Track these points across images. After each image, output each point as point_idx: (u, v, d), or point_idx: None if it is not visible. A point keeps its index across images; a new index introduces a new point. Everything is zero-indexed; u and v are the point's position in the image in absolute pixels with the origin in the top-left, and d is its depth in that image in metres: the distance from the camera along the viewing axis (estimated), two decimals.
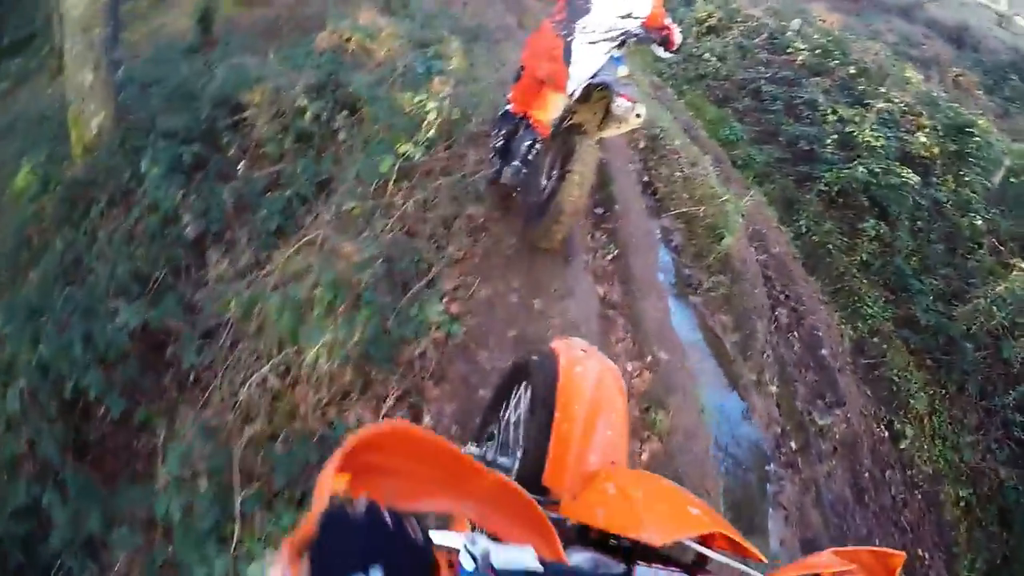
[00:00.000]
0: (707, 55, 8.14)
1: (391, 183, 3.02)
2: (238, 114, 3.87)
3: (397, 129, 3.17)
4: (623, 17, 2.49)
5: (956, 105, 7.23)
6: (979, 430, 4.37)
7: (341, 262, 2.47)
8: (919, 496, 3.87)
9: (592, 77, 2.51)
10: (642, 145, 4.55)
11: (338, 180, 3.26)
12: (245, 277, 2.77)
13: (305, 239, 2.71)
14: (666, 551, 0.66)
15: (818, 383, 3.76)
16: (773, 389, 3.30)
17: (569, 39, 2.50)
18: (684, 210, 3.90)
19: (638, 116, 2.40)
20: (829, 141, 6.33)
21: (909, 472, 3.96)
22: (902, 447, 4.03)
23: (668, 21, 2.62)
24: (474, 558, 0.51)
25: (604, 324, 2.79)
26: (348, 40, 4.00)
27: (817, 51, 7.88)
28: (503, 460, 1.07)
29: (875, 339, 4.69)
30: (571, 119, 2.62)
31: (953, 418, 4.42)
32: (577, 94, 2.54)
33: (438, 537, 0.54)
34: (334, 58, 3.93)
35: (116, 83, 4.09)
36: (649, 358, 2.70)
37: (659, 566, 0.64)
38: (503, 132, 2.84)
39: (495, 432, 1.26)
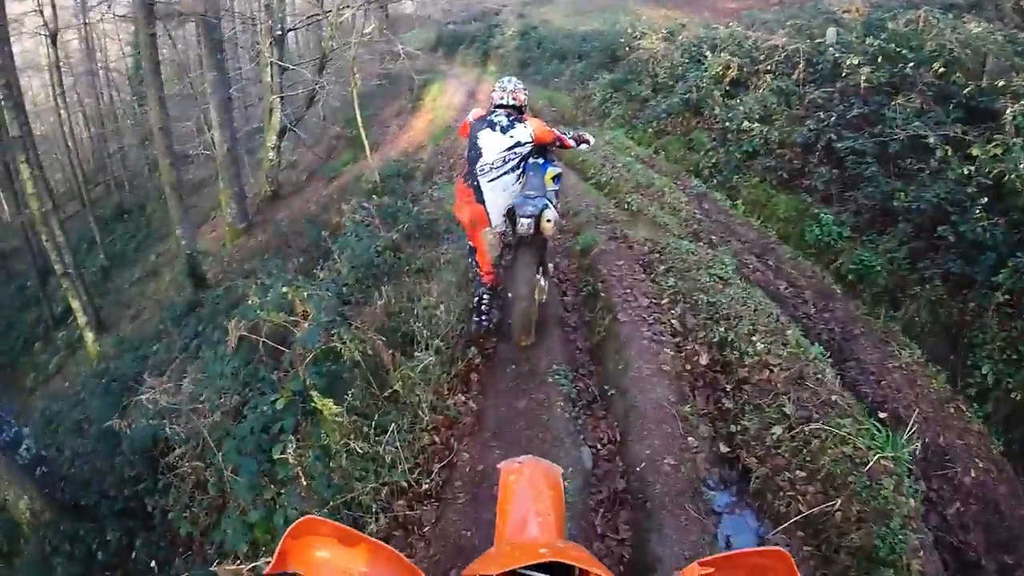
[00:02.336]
0: (745, 123, 6.26)
1: None
2: (164, 458, 3.74)
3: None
4: (511, 148, 3.06)
5: None
6: None
7: None
8: None
9: (516, 198, 3.02)
10: (703, 362, 3.06)
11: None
12: None
13: None
14: None
15: None
16: None
17: (476, 183, 3.13)
18: (804, 512, 2.22)
19: (548, 221, 2.95)
20: (976, 209, 3.99)
21: None
22: None
23: (557, 132, 3.24)
24: None
25: None
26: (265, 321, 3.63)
27: (879, 59, 5.75)
28: None
29: None
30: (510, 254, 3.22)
31: None
32: (503, 225, 3.12)
33: None
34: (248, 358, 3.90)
35: (28, 461, 4.04)
36: None
37: None
38: (480, 292, 3.43)
39: None
